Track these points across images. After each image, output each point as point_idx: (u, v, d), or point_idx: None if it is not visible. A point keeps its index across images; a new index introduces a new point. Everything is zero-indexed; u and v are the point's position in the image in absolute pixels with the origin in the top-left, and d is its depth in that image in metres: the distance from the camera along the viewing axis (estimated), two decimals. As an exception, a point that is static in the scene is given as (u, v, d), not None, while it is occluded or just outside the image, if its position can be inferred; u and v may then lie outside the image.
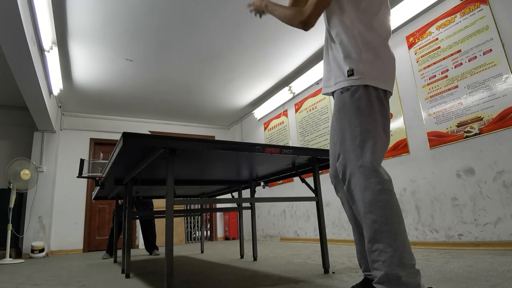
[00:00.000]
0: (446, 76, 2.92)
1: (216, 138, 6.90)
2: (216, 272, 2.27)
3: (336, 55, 1.27)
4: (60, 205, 5.24)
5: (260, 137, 6.07)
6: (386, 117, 1.25)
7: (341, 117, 1.22)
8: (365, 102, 1.17)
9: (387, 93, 1.26)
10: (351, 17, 1.24)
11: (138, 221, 5.63)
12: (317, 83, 4.58)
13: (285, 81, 4.99)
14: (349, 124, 1.18)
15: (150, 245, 4.17)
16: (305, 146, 4.77)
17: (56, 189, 5.26)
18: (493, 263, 1.85)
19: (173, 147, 1.48)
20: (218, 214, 6.65)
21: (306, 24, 1.27)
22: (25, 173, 4.35)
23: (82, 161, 3.58)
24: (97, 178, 2.99)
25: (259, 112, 5.90)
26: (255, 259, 2.86)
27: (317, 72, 4.36)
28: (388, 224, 1.01)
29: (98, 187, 2.94)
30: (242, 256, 3.13)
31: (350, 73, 1.20)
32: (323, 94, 1.38)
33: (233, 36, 3.74)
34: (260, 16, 1.52)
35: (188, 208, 5.89)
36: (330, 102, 4.34)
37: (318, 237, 2.04)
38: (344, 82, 1.21)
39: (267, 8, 1.41)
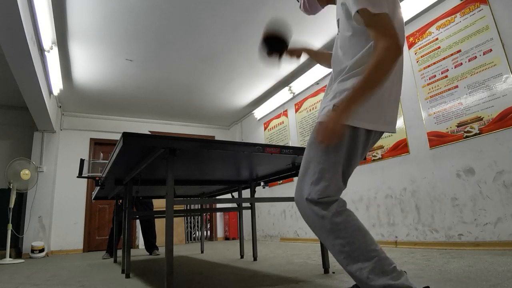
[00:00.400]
0: (446, 76, 2.92)
1: (216, 138, 6.90)
2: (216, 272, 2.27)
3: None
4: (60, 205, 5.24)
5: (260, 137, 6.07)
6: (360, 155, 1.11)
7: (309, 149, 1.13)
8: (346, 142, 1.05)
9: (378, 133, 1.12)
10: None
11: (138, 221, 5.63)
12: (317, 83, 4.58)
13: (285, 81, 4.99)
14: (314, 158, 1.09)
15: (150, 245, 4.17)
16: (305, 146, 4.76)
17: (56, 189, 5.26)
18: (493, 263, 1.85)
19: (173, 147, 1.48)
20: (218, 214, 6.65)
21: (400, 48, 1.00)
22: (25, 173, 4.35)
23: (82, 161, 3.58)
24: (97, 178, 2.99)
25: (259, 112, 5.90)
26: (255, 259, 2.86)
27: (317, 72, 4.36)
28: (355, 243, 1.00)
29: (98, 187, 2.94)
30: (242, 256, 3.13)
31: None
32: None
33: (233, 36, 3.74)
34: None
35: (188, 208, 5.89)
36: (330, 102, 4.33)
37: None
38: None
39: (347, 110, 1.00)
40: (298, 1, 1.37)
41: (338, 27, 1.18)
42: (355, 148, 1.07)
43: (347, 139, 1.05)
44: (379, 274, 0.97)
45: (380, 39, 0.97)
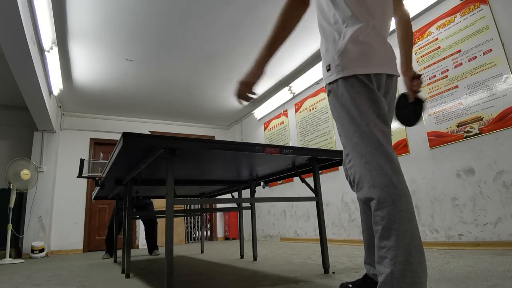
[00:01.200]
0: (446, 76, 2.92)
1: (216, 138, 6.90)
2: (216, 272, 2.27)
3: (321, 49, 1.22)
4: (60, 205, 5.24)
5: (260, 137, 6.07)
6: (379, 102, 1.09)
7: (336, 120, 1.16)
8: (348, 99, 1.08)
9: (379, 76, 1.13)
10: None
11: (137, 221, 5.63)
12: (317, 83, 4.58)
13: (285, 81, 4.99)
14: (345, 128, 1.11)
15: (151, 245, 4.17)
16: (305, 146, 4.77)
17: (56, 189, 5.26)
18: (493, 263, 1.85)
19: (173, 147, 1.48)
20: (218, 214, 6.65)
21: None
22: (25, 173, 4.35)
23: (82, 161, 3.58)
24: (97, 178, 2.99)
25: (259, 112, 5.90)
26: (255, 259, 2.86)
27: (317, 72, 4.35)
28: (396, 222, 0.94)
29: (98, 187, 2.94)
30: (242, 256, 3.13)
31: (328, 68, 1.13)
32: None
33: (233, 36, 3.74)
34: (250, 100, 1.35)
35: (188, 208, 5.89)
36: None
37: (318, 237, 2.04)
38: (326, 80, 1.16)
39: (262, 59, 1.27)
40: None
41: None
42: (356, 97, 1.07)
43: (345, 95, 1.08)
44: (402, 262, 0.94)
45: None
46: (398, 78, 1.34)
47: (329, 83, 1.14)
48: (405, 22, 1.40)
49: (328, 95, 1.18)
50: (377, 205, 0.97)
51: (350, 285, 1.38)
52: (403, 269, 0.91)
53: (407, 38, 1.40)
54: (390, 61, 1.21)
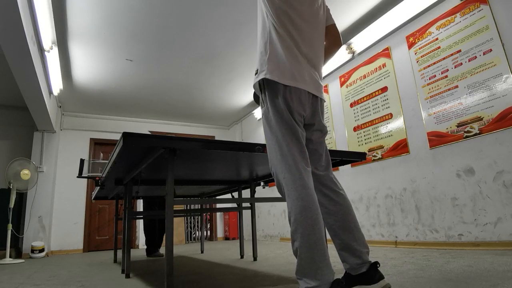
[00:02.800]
0: (446, 76, 2.92)
1: (216, 138, 6.90)
2: (216, 272, 2.27)
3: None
4: (60, 205, 5.24)
5: (260, 137, 6.07)
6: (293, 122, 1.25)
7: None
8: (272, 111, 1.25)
9: (297, 90, 1.26)
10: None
11: (138, 221, 5.63)
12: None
13: (285, 81, 4.98)
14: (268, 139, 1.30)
15: (155, 247, 4.05)
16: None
17: (56, 189, 5.26)
18: (493, 263, 1.85)
19: (173, 147, 1.48)
20: (218, 214, 6.65)
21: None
22: (25, 173, 4.35)
23: (82, 161, 3.58)
24: (97, 178, 2.99)
25: (259, 112, 5.89)
26: (255, 259, 2.86)
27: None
28: (301, 225, 1.13)
29: (98, 187, 2.94)
30: (242, 256, 3.13)
31: (255, 72, 1.33)
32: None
33: (233, 36, 3.74)
34: None
35: (188, 208, 5.89)
36: (330, 102, 4.34)
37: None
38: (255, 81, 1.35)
39: None
40: None
41: None
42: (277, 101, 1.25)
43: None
44: (306, 262, 1.13)
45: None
46: None
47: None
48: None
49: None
50: (288, 213, 1.19)
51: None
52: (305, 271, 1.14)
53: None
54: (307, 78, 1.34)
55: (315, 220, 1.15)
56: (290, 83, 1.24)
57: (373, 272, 1.28)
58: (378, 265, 1.29)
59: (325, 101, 1.43)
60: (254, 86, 1.35)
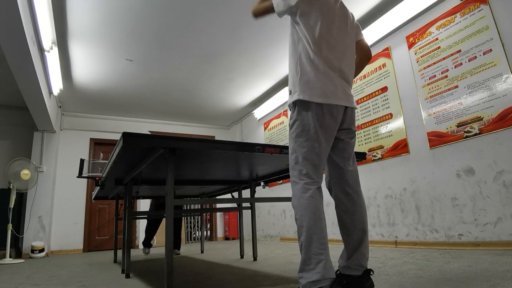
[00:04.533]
0: (446, 76, 2.92)
1: (216, 138, 6.90)
2: (216, 272, 2.27)
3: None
4: (60, 205, 5.24)
5: (260, 137, 6.07)
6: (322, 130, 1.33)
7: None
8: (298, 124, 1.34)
9: (329, 106, 1.33)
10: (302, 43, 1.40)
11: (138, 221, 5.64)
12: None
13: (285, 81, 4.99)
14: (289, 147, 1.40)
15: (174, 245, 4.00)
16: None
17: (56, 189, 5.26)
18: (493, 263, 1.85)
19: (173, 147, 1.48)
20: (218, 214, 6.65)
21: (254, 16, 1.57)
22: (25, 173, 4.35)
23: (82, 161, 3.58)
24: (97, 178, 2.99)
25: (259, 112, 5.90)
26: (255, 259, 2.86)
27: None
28: (305, 221, 1.22)
29: (98, 187, 2.94)
30: (242, 256, 3.13)
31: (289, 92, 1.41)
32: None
33: (233, 36, 3.74)
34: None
35: (188, 208, 5.89)
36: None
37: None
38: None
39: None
40: None
41: None
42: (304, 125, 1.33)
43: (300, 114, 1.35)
44: (305, 254, 1.20)
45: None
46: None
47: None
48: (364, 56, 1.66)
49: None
50: (295, 211, 1.28)
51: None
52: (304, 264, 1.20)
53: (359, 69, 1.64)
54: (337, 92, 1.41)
55: (318, 216, 1.23)
56: (321, 100, 1.31)
57: (365, 278, 1.32)
58: (371, 273, 1.34)
59: (356, 109, 1.51)
60: (289, 106, 1.41)
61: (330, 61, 1.37)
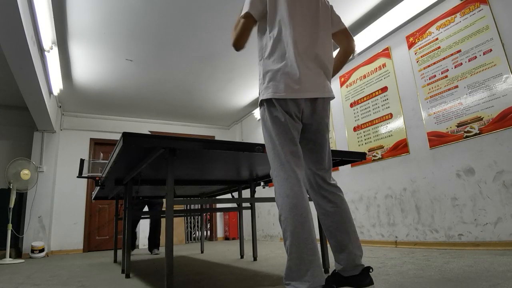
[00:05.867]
0: (446, 76, 2.92)
1: (216, 138, 6.90)
2: (216, 272, 2.27)
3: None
4: (60, 205, 5.24)
5: (260, 137, 6.06)
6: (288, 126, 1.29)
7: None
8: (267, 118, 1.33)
9: (296, 101, 1.30)
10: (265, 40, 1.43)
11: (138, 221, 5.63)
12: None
13: (285, 81, 4.99)
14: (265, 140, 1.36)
15: (153, 244, 4.16)
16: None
17: (56, 189, 5.26)
18: (493, 263, 1.85)
19: (173, 147, 1.48)
20: (218, 214, 6.65)
21: (236, 47, 1.49)
22: (25, 173, 4.35)
23: (82, 161, 3.58)
24: (97, 178, 2.99)
25: (259, 112, 5.89)
26: (255, 259, 2.86)
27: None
28: (290, 224, 1.18)
29: (98, 187, 2.94)
30: (242, 256, 3.13)
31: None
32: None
33: (233, 36, 3.74)
34: None
35: (188, 208, 5.89)
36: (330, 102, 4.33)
37: (318, 237, 2.04)
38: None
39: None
40: None
41: None
42: (272, 119, 1.31)
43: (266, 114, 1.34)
44: (295, 257, 1.16)
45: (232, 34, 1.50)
46: None
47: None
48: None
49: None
50: (279, 213, 1.23)
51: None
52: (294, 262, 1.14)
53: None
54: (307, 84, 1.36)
55: (305, 218, 1.16)
56: (285, 96, 1.28)
57: (364, 276, 1.30)
58: (370, 270, 1.31)
59: (331, 98, 1.43)
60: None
61: (297, 49, 1.35)
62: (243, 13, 1.41)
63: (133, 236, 4.43)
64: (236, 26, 1.46)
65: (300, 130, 1.35)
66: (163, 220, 4.73)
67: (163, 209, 4.20)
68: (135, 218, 4.16)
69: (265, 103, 1.34)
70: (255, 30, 1.49)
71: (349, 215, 1.38)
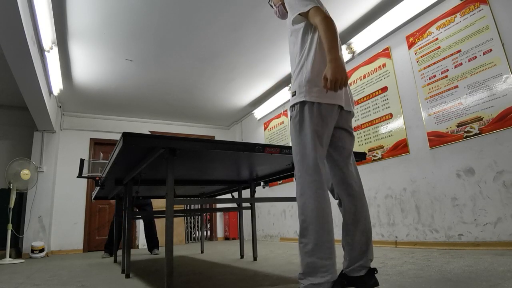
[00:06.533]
0: (446, 76, 2.92)
1: (216, 138, 6.90)
2: (216, 272, 2.27)
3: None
4: (60, 205, 5.24)
5: (260, 137, 6.07)
6: (324, 128, 1.34)
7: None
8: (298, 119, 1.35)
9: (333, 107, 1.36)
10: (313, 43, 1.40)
11: (138, 221, 5.63)
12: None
13: (285, 81, 4.99)
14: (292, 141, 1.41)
15: (152, 244, 4.18)
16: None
17: (56, 189, 5.26)
18: (493, 263, 1.85)
19: (173, 147, 1.48)
20: (218, 214, 6.64)
21: (328, 18, 1.35)
22: (25, 173, 4.35)
23: (82, 161, 3.58)
24: (97, 178, 2.99)
25: (259, 112, 5.90)
26: (255, 259, 2.86)
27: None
28: (312, 223, 1.20)
29: (98, 187, 2.94)
30: (242, 256, 3.13)
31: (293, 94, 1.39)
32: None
33: (233, 36, 3.74)
34: None
35: (188, 208, 5.89)
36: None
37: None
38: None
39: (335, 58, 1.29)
40: (273, 8, 1.71)
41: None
42: (304, 119, 1.33)
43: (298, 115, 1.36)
44: (312, 257, 1.19)
45: (316, 20, 1.34)
46: None
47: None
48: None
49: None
50: (301, 211, 1.26)
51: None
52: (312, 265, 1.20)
53: None
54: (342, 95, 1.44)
55: (328, 221, 1.21)
56: (327, 101, 1.33)
57: (369, 277, 1.31)
58: (375, 272, 1.33)
59: (353, 115, 1.55)
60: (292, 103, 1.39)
61: None
62: (308, 7, 1.35)
63: (110, 239, 4.14)
64: (315, 14, 1.33)
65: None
66: (161, 220, 4.75)
67: (161, 209, 4.20)
68: (116, 222, 3.76)
69: (304, 105, 1.35)
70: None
71: (369, 217, 1.43)
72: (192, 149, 1.52)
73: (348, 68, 4.07)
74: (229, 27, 3.57)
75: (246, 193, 3.30)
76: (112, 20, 3.31)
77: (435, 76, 3.02)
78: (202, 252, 3.99)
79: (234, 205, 4.80)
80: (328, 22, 1.30)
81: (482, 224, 2.53)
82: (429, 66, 3.08)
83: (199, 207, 5.41)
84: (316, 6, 1.36)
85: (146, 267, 2.85)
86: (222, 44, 3.90)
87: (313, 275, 1.17)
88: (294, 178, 1.38)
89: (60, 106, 5.46)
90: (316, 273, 1.17)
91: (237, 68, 4.53)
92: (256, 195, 2.96)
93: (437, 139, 2.95)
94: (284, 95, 5.16)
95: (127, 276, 2.27)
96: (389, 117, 3.45)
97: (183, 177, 2.55)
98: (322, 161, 1.32)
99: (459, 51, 2.83)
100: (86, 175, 3.80)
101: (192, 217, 6.50)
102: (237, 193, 3.18)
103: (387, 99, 3.48)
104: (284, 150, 1.76)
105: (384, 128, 3.50)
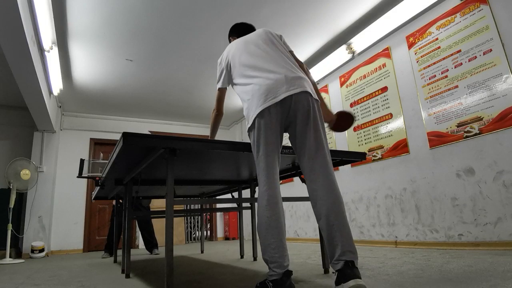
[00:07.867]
0: (446, 76, 2.92)
1: (216, 138, 6.89)
2: (216, 272, 2.27)
3: None
4: (60, 205, 5.24)
5: (260, 137, 6.05)
6: (265, 132, 1.53)
7: None
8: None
9: (265, 110, 1.51)
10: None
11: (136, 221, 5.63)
12: (317, 83, 4.58)
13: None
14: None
15: (150, 244, 4.18)
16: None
17: (56, 189, 5.26)
18: (493, 263, 1.85)
19: (173, 147, 1.47)
20: (218, 214, 6.65)
21: (218, 114, 1.97)
22: (25, 173, 4.35)
23: (82, 161, 3.58)
24: (97, 178, 2.99)
25: (259, 112, 5.88)
26: (255, 259, 2.86)
27: (316, 72, 4.35)
28: (264, 222, 1.42)
29: (98, 187, 2.94)
30: (242, 256, 3.13)
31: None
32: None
33: (233, 36, 3.74)
34: None
35: (188, 208, 5.89)
36: (330, 102, 4.34)
37: (318, 237, 2.04)
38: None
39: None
40: None
41: None
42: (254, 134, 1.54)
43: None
44: (265, 259, 1.38)
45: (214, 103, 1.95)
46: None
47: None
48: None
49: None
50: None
51: None
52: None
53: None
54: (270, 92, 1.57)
55: (268, 224, 1.39)
56: (256, 113, 1.52)
57: (343, 272, 1.24)
58: (351, 264, 1.25)
59: (305, 91, 1.54)
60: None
61: (259, 73, 1.62)
62: (217, 86, 1.86)
63: (110, 239, 4.15)
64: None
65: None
66: (162, 220, 4.74)
67: (161, 209, 4.20)
68: (116, 221, 3.76)
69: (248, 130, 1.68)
70: None
71: (335, 204, 1.40)
72: (192, 149, 1.52)
73: (348, 68, 4.08)
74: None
75: (246, 193, 3.30)
76: (112, 20, 3.31)
77: (435, 76, 3.02)
78: (202, 252, 3.99)
79: (234, 205, 4.80)
80: (213, 115, 1.95)
81: (482, 224, 2.53)
82: (429, 66, 3.08)
83: (199, 207, 5.40)
84: (219, 89, 1.86)
85: (146, 267, 2.85)
86: (222, 44, 3.90)
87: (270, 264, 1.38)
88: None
89: (60, 106, 5.46)
90: (269, 266, 1.36)
91: (237, 68, 4.52)
92: (256, 195, 2.96)
93: (437, 139, 2.95)
94: (284, 95, 5.14)
95: (127, 276, 2.27)
96: (389, 117, 3.45)
97: (183, 177, 2.55)
98: (268, 172, 1.61)
99: (459, 51, 2.83)
100: (86, 175, 3.80)
101: (192, 217, 6.50)
102: (237, 193, 3.18)
103: (387, 99, 3.49)
104: (284, 150, 1.76)
105: (384, 128, 3.50)
